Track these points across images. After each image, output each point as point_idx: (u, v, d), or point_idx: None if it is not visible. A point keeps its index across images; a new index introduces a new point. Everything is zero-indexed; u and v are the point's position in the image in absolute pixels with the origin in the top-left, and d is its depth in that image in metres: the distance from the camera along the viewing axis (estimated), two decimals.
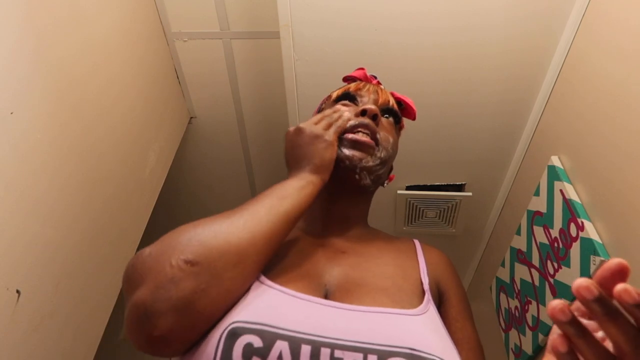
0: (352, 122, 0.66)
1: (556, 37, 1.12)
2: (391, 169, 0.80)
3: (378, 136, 0.66)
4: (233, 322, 0.46)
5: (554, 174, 1.11)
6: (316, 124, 0.64)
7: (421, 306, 0.55)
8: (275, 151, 1.70)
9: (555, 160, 1.13)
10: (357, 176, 0.65)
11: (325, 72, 1.21)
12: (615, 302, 0.30)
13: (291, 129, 0.65)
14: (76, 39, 0.95)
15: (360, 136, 0.64)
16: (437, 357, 0.46)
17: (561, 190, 1.07)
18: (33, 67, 0.82)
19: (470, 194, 1.49)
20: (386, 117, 0.72)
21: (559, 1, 1.06)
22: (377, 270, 0.60)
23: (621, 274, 0.31)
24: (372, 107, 0.67)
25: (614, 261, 0.31)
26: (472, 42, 1.14)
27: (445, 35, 1.13)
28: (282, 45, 1.18)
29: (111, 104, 1.08)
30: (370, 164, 0.65)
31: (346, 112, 0.66)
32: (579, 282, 0.30)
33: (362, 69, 0.79)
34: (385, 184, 0.78)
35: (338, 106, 0.69)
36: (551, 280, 1.10)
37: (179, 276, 0.45)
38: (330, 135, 0.62)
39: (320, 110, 0.78)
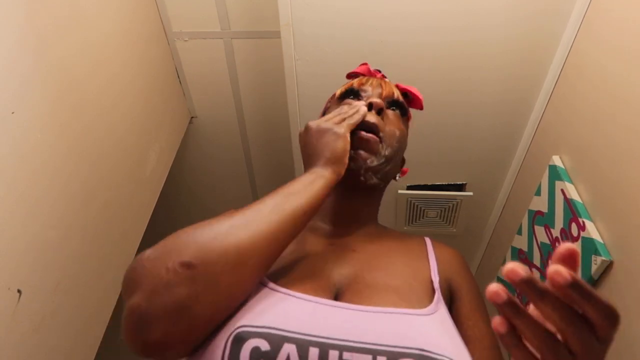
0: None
1: (557, 36, 1.11)
2: (403, 161, 0.80)
3: (382, 134, 0.65)
4: (238, 327, 0.45)
5: (555, 174, 1.11)
6: (327, 120, 0.63)
7: (431, 305, 0.54)
8: (276, 151, 1.70)
9: (556, 160, 1.13)
10: (362, 177, 0.64)
11: (326, 71, 1.21)
12: (545, 284, 0.32)
13: (301, 129, 0.64)
14: (76, 38, 0.95)
15: (363, 134, 0.63)
16: (447, 357, 0.45)
17: (562, 190, 1.07)
18: (33, 67, 0.82)
19: (471, 193, 1.49)
20: (393, 110, 0.71)
21: (560, 0, 1.06)
22: (387, 269, 0.59)
23: (571, 258, 0.32)
24: (377, 100, 0.66)
25: (563, 246, 0.32)
26: (473, 42, 1.14)
27: (446, 34, 1.13)
28: (282, 45, 1.17)
29: (111, 103, 1.08)
30: (375, 163, 0.64)
31: (363, 107, 0.65)
32: (507, 265, 0.31)
33: (365, 64, 0.78)
34: (397, 178, 0.77)
35: (355, 102, 0.67)
36: None
37: (174, 281, 0.43)
38: (342, 127, 0.61)
39: (325, 112, 0.76)
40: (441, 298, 0.57)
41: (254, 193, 1.88)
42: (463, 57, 1.16)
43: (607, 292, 0.91)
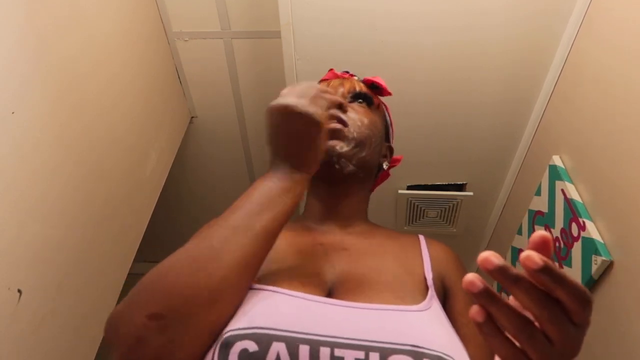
0: None
1: (557, 36, 1.11)
2: (391, 150, 0.78)
3: (345, 118, 0.59)
4: (226, 333, 0.44)
5: (555, 174, 1.11)
6: (311, 101, 0.53)
7: (424, 302, 0.53)
8: None
9: (556, 160, 1.13)
10: (337, 165, 0.63)
11: (326, 71, 1.21)
12: (517, 270, 0.32)
13: (278, 104, 0.52)
14: (76, 38, 0.95)
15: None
16: (441, 353, 0.45)
17: (562, 190, 1.07)
18: (33, 67, 0.82)
19: (471, 193, 1.49)
20: (359, 103, 0.71)
21: (560, 0, 1.06)
22: (379, 266, 0.59)
23: (544, 244, 0.33)
24: (333, 97, 0.61)
25: (536, 234, 0.33)
26: (473, 42, 1.13)
27: (446, 34, 1.13)
28: (283, 45, 1.17)
29: (112, 103, 1.08)
30: (346, 149, 0.63)
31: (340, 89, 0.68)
32: (481, 254, 0.32)
33: (331, 70, 0.80)
34: (385, 166, 0.75)
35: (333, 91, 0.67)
36: None
37: (146, 335, 0.42)
38: (317, 107, 0.53)
39: None
40: (435, 295, 0.56)
41: None
42: (463, 57, 1.16)
43: (607, 292, 0.91)
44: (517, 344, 0.34)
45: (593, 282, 0.94)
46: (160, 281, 0.44)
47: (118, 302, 1.09)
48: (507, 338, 0.34)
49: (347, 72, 0.79)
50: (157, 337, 0.42)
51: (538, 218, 1.20)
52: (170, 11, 1.36)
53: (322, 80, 0.79)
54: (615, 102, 0.93)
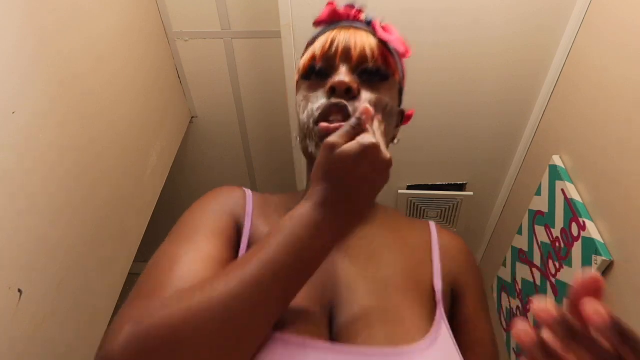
0: (323, 103, 0.53)
1: (558, 36, 1.11)
2: (402, 116, 0.66)
3: (350, 109, 0.52)
4: None
5: (555, 174, 1.11)
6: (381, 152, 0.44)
7: (431, 331, 0.49)
8: (276, 150, 1.70)
9: (556, 160, 1.13)
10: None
11: None
12: (578, 323, 0.30)
13: (354, 147, 0.43)
14: (77, 38, 0.95)
15: (324, 126, 0.52)
16: None
17: (563, 190, 1.07)
18: (34, 67, 0.82)
19: (471, 193, 1.49)
20: (368, 78, 0.56)
21: (561, 0, 1.06)
22: (382, 282, 0.53)
23: (596, 289, 0.30)
24: (341, 79, 0.52)
25: (588, 276, 0.30)
26: (473, 41, 1.13)
27: (446, 34, 1.13)
28: (283, 45, 1.17)
29: (112, 103, 1.08)
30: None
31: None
32: (537, 306, 0.30)
33: (331, 3, 0.62)
34: (396, 141, 0.64)
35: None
36: (553, 280, 1.10)
37: None
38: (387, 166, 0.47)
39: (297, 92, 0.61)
40: (443, 315, 0.53)
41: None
42: (463, 57, 1.16)
43: (607, 292, 0.91)
44: None
45: None
46: (180, 332, 0.38)
47: (118, 302, 1.10)
48: None
49: (352, 7, 0.62)
50: None
51: (538, 218, 1.20)
52: (170, 11, 1.36)
53: (317, 23, 0.62)
54: (615, 101, 0.93)
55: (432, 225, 0.65)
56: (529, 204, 1.25)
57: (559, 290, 1.07)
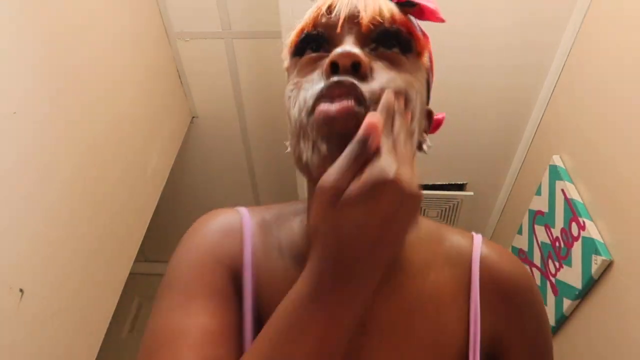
0: (320, 87, 0.37)
1: (558, 36, 1.11)
2: (430, 116, 0.51)
3: (366, 95, 0.35)
4: None
5: (555, 174, 1.11)
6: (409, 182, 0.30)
7: None
8: (276, 150, 1.70)
9: (556, 160, 1.13)
10: None
11: None
12: None
13: (361, 193, 0.30)
14: (78, 38, 0.95)
15: (334, 106, 0.35)
16: None
17: (563, 190, 1.07)
18: (35, 67, 0.82)
19: (471, 193, 1.49)
20: (384, 50, 0.39)
21: (561, 1, 1.06)
22: (409, 355, 0.43)
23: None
24: (346, 50, 0.36)
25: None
26: (473, 42, 1.14)
27: (446, 35, 1.13)
28: (283, 45, 1.17)
29: (113, 103, 1.08)
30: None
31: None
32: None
33: None
34: (426, 147, 0.47)
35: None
36: (552, 279, 1.10)
37: None
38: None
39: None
40: None
41: (255, 192, 1.89)
42: (463, 57, 1.16)
43: (607, 292, 0.91)
44: None
45: (593, 282, 0.94)
46: None
47: (119, 302, 1.10)
48: None
49: None
50: None
51: (538, 218, 1.20)
52: (171, 11, 1.36)
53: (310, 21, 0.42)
54: (615, 102, 0.93)
55: (477, 244, 0.48)
56: (529, 203, 1.25)
57: (559, 290, 1.07)
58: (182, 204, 1.92)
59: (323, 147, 0.35)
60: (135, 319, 2.12)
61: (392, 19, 0.39)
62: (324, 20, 0.40)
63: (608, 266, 0.90)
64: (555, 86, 1.19)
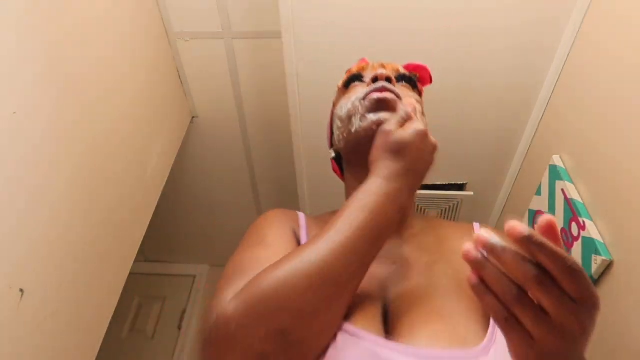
0: (368, 89, 0.61)
1: (558, 36, 1.12)
2: None
3: (398, 91, 0.61)
4: None
5: (555, 174, 1.11)
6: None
7: (487, 337, 0.48)
8: (276, 150, 1.70)
9: (556, 160, 1.13)
10: None
11: (327, 71, 1.21)
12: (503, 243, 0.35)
13: (409, 131, 0.52)
14: (78, 38, 0.95)
15: (379, 95, 0.59)
16: None
17: (563, 190, 1.07)
18: (35, 67, 0.82)
19: (471, 193, 1.49)
20: (401, 84, 0.67)
21: (561, 1, 1.06)
22: (431, 287, 0.54)
23: (551, 229, 0.35)
24: (383, 71, 0.62)
25: (544, 218, 0.35)
26: (473, 42, 1.14)
27: (447, 35, 1.13)
28: (284, 45, 1.18)
29: (112, 103, 1.08)
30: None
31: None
32: (478, 236, 0.36)
33: (364, 59, 0.76)
34: None
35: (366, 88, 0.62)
36: None
37: (269, 351, 0.42)
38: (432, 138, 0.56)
39: (332, 118, 0.71)
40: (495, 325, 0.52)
41: (255, 192, 1.89)
42: (464, 57, 1.17)
43: (607, 292, 0.91)
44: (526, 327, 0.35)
45: (593, 282, 0.94)
46: (279, 296, 0.43)
47: (119, 302, 1.10)
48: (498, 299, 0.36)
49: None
50: (279, 356, 0.42)
51: (538, 218, 1.20)
52: (171, 12, 1.36)
53: (355, 69, 0.72)
54: (615, 102, 0.93)
55: (477, 226, 0.65)
56: (529, 204, 1.25)
57: None
58: (182, 204, 1.92)
59: (371, 116, 0.59)
60: (135, 319, 2.11)
61: (404, 71, 0.70)
62: (362, 66, 0.70)
63: (608, 266, 0.90)
64: (555, 86, 1.19)
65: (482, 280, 0.36)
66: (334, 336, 0.46)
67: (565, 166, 1.10)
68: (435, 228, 0.65)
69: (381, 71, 0.62)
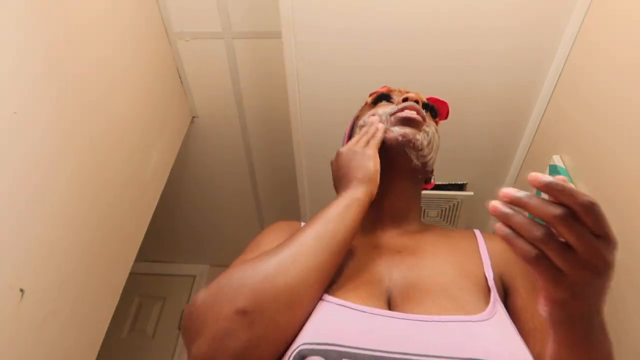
0: (398, 106, 0.69)
1: (558, 36, 1.12)
2: (432, 170, 0.80)
3: (423, 113, 0.69)
4: (300, 345, 0.47)
5: (555, 174, 1.11)
6: (355, 144, 0.66)
7: (488, 308, 0.52)
8: (277, 150, 1.70)
9: (557, 160, 1.13)
10: (408, 153, 0.66)
11: (327, 71, 1.21)
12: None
13: (332, 158, 0.67)
14: (78, 39, 0.95)
15: (408, 113, 0.67)
16: None
17: None
18: (35, 67, 0.82)
19: (471, 193, 1.49)
20: (425, 112, 0.73)
21: (561, 1, 1.06)
22: (435, 270, 0.59)
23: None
24: (413, 94, 0.71)
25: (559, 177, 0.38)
26: (473, 42, 1.14)
27: (447, 36, 1.13)
28: (284, 45, 1.18)
29: (113, 103, 1.08)
30: (420, 139, 0.67)
31: (380, 124, 0.68)
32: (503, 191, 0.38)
33: (386, 86, 0.83)
34: (433, 180, 0.78)
35: (371, 119, 0.71)
36: None
37: (233, 327, 0.46)
38: (370, 148, 0.64)
39: (353, 127, 0.79)
40: (497, 298, 0.55)
41: (255, 193, 1.89)
42: (464, 58, 1.17)
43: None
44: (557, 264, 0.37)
45: None
46: (246, 278, 0.49)
47: (119, 302, 1.10)
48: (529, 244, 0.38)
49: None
50: (244, 332, 0.46)
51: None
52: (171, 11, 1.36)
53: (375, 93, 0.80)
54: (615, 102, 0.93)
55: (477, 231, 0.70)
56: None
57: None
58: (182, 204, 1.92)
59: (397, 129, 0.67)
60: (135, 319, 2.11)
61: (426, 101, 0.78)
62: (389, 88, 0.79)
63: None
64: (555, 86, 1.19)
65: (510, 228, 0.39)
66: (327, 307, 0.51)
67: (565, 166, 1.10)
68: (438, 229, 0.71)
69: (412, 94, 0.71)
